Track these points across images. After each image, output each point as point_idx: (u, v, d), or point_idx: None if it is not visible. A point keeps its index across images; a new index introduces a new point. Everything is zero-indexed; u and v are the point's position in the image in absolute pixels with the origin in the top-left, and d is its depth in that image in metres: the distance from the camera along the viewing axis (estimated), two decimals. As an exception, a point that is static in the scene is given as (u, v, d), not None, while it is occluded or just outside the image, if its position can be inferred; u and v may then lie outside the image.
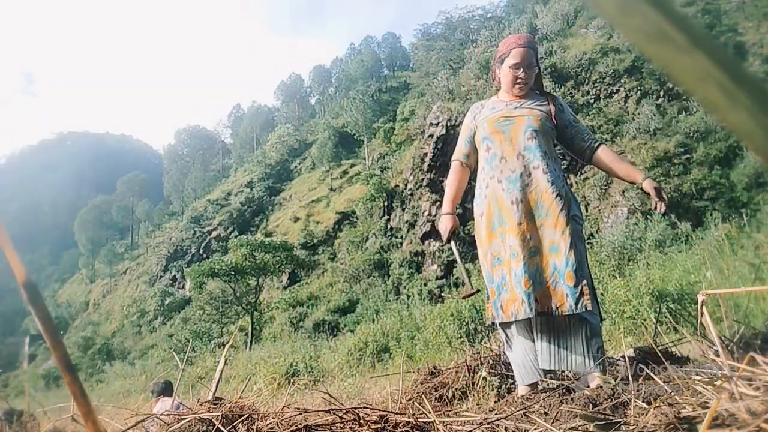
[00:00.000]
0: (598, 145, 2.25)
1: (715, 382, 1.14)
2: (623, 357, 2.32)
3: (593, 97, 34.33)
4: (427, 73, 58.36)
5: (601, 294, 6.54)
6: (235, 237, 41.07)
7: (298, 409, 1.38)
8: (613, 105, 33.48)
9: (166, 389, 5.21)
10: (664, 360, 1.77)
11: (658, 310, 5.20)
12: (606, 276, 7.28)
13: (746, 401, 0.87)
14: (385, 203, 35.74)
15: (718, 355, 1.28)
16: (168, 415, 1.39)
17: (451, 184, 2.36)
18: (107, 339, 45.20)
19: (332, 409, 1.36)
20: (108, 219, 79.04)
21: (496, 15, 65.86)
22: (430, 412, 1.38)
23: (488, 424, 1.30)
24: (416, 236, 30.79)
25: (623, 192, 26.64)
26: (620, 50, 34.52)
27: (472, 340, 8.02)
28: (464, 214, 33.87)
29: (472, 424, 1.33)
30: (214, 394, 1.88)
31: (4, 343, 68.62)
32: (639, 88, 33.13)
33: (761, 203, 23.42)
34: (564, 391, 1.87)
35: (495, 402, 2.00)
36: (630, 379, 1.66)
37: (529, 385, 2.04)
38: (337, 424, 1.30)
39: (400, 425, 1.29)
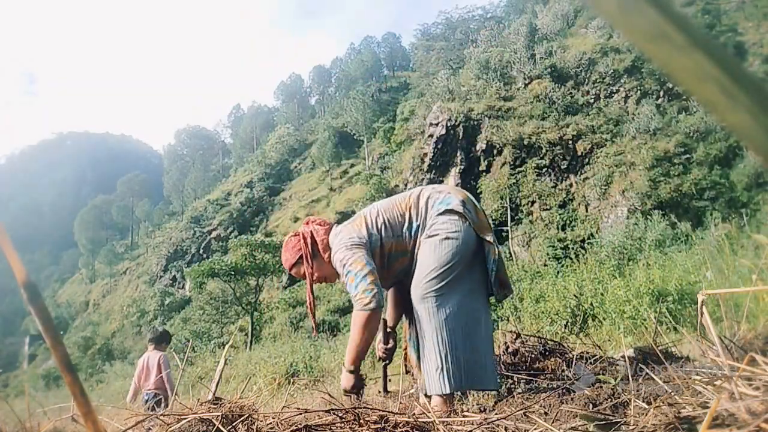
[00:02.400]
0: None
1: (715, 382, 1.14)
2: (623, 357, 2.32)
3: (593, 97, 34.34)
4: (427, 73, 58.35)
5: (601, 294, 6.54)
6: (235, 237, 41.05)
7: (298, 409, 1.38)
8: (613, 105, 33.49)
9: (160, 340, 5.23)
10: (664, 360, 1.78)
11: (658, 310, 5.21)
12: (606, 276, 7.28)
13: (746, 401, 0.88)
14: (385, 203, 35.73)
15: (718, 355, 1.28)
16: (168, 415, 1.39)
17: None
18: (107, 339, 45.22)
19: (332, 409, 1.36)
20: (108, 219, 79.10)
21: (496, 15, 65.94)
22: (430, 412, 1.38)
23: (488, 424, 1.30)
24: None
25: (623, 192, 26.67)
26: (620, 50, 34.52)
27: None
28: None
29: (472, 424, 1.33)
30: (214, 394, 1.88)
31: (4, 343, 68.65)
32: (639, 88, 33.15)
33: (761, 203, 23.41)
34: (564, 391, 1.87)
35: (495, 402, 2.00)
36: (630, 379, 1.66)
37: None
38: (337, 424, 1.30)
39: (400, 425, 1.29)
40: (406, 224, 2.15)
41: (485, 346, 2.01)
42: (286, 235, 2.58)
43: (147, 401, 4.82)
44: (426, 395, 2.05)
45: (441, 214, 2.09)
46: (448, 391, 1.90)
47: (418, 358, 2.22)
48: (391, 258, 2.17)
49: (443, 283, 1.99)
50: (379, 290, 2.03)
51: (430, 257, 2.03)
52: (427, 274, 2.01)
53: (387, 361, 2.38)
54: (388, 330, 2.36)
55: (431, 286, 1.99)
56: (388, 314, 2.42)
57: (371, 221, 2.18)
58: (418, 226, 2.14)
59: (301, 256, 2.26)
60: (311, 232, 2.28)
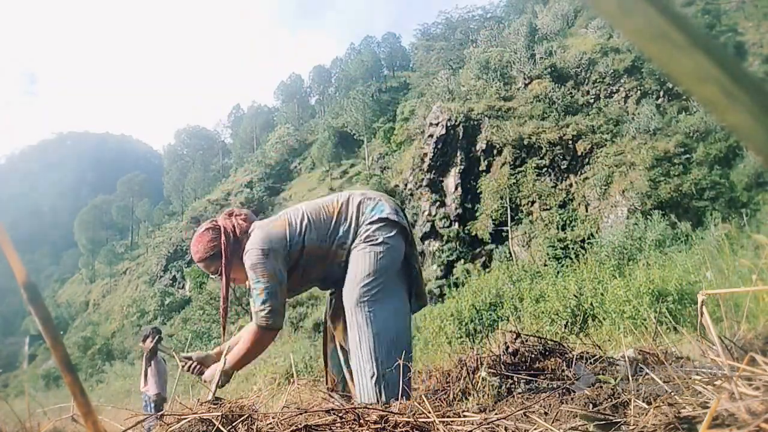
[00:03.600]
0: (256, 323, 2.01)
1: (715, 382, 1.14)
2: (623, 357, 2.32)
3: (593, 97, 34.35)
4: (427, 73, 58.34)
5: (601, 294, 6.54)
6: (235, 237, 41.01)
7: (298, 409, 1.38)
8: (613, 105, 33.51)
9: (151, 335, 5.08)
10: (664, 360, 1.78)
11: (658, 310, 5.21)
12: (606, 276, 7.28)
13: (746, 401, 0.88)
14: (385, 203, 35.76)
15: (718, 355, 1.28)
16: (168, 415, 1.40)
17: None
18: (107, 339, 45.22)
19: (332, 409, 1.36)
20: (108, 219, 79.04)
21: (496, 15, 65.91)
22: (430, 412, 1.38)
23: (488, 424, 1.30)
24: (416, 236, 30.72)
25: (623, 192, 26.68)
26: (620, 50, 34.54)
27: (472, 340, 8.02)
28: (464, 213, 33.55)
29: (472, 424, 1.33)
30: (214, 394, 1.88)
31: (4, 343, 68.68)
32: (639, 88, 33.16)
33: (761, 203, 23.42)
34: (564, 391, 1.87)
35: (495, 402, 2.00)
36: (630, 379, 1.66)
37: None
38: (337, 424, 1.30)
39: (400, 425, 1.29)
40: (332, 227, 2.06)
41: (411, 354, 2.05)
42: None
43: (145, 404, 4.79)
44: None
45: (374, 221, 2.04)
46: (378, 400, 1.85)
47: (347, 368, 2.17)
48: (310, 262, 2.08)
49: (379, 288, 1.96)
50: (283, 312, 2.02)
51: (366, 263, 1.98)
52: (363, 278, 1.96)
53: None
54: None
55: (368, 291, 1.95)
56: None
57: (295, 222, 2.06)
58: (347, 230, 2.06)
59: (216, 252, 2.03)
60: (234, 227, 2.07)
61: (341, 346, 2.24)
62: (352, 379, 2.09)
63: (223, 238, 2.02)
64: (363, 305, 1.95)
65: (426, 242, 30.47)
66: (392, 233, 2.04)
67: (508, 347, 2.70)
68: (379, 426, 1.28)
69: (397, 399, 1.87)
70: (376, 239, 2.01)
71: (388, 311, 1.96)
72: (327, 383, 2.31)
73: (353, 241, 2.05)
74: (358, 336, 1.94)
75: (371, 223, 2.05)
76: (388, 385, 1.87)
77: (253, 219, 2.15)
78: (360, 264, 1.99)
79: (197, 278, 23.73)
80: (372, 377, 1.88)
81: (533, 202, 28.91)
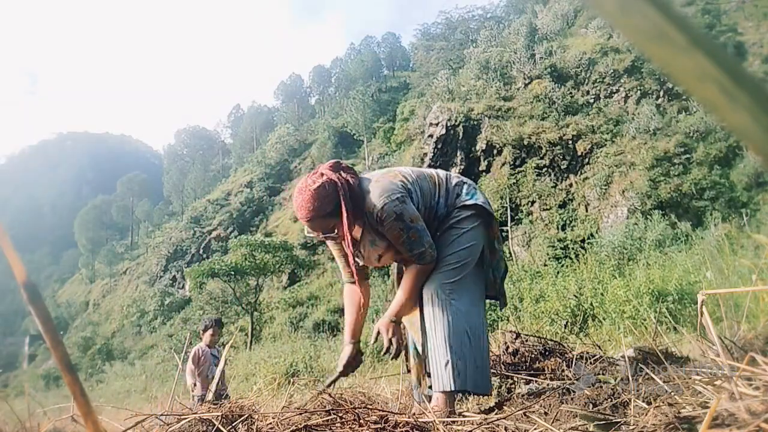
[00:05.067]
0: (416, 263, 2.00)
1: (715, 382, 1.14)
2: (623, 357, 2.32)
3: (593, 97, 34.34)
4: (427, 73, 58.33)
5: (601, 294, 6.54)
6: (235, 237, 41.06)
7: (298, 408, 1.39)
8: (613, 105, 33.50)
9: (204, 329, 4.79)
10: (664, 360, 1.78)
11: (658, 310, 5.21)
12: (606, 276, 7.28)
13: (746, 401, 0.88)
14: (385, 203, 35.76)
15: (718, 355, 1.28)
16: (167, 415, 1.40)
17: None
18: (107, 339, 45.19)
19: (332, 409, 1.36)
20: (108, 219, 79.04)
21: (495, 15, 65.90)
22: (430, 412, 1.38)
23: (488, 424, 1.30)
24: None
25: (623, 192, 26.67)
26: (620, 50, 34.53)
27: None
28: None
29: (472, 424, 1.33)
30: (214, 394, 1.88)
31: (4, 343, 68.68)
32: (639, 88, 33.16)
33: (761, 203, 23.43)
34: (564, 391, 1.87)
35: (495, 402, 2.00)
36: (630, 379, 1.66)
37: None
38: (337, 424, 1.30)
39: (400, 425, 1.29)
40: (433, 197, 2.04)
41: (487, 349, 2.00)
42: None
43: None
44: (426, 395, 2.03)
45: (468, 206, 2.02)
46: (452, 389, 1.84)
47: (418, 355, 2.18)
48: None
49: (460, 277, 1.94)
50: None
51: (450, 249, 1.97)
52: (445, 265, 1.95)
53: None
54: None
55: (448, 279, 1.93)
56: (356, 319, 2.30)
57: (409, 179, 2.00)
58: (443, 205, 2.04)
59: (334, 209, 1.88)
60: (347, 180, 1.94)
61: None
62: (421, 364, 2.12)
63: (341, 192, 1.89)
64: (442, 291, 1.92)
65: (426, 242, 30.48)
66: (476, 223, 2.02)
67: (508, 347, 2.70)
68: (379, 426, 1.28)
69: (472, 388, 1.87)
70: (464, 228, 1.99)
71: (464, 301, 1.94)
72: (408, 368, 2.30)
73: (443, 220, 2.03)
74: (434, 322, 1.91)
75: (465, 207, 2.02)
76: (459, 375, 1.85)
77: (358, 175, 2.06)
78: (444, 250, 1.98)
79: (197, 278, 23.71)
80: (446, 364, 1.87)
81: (533, 202, 28.90)
